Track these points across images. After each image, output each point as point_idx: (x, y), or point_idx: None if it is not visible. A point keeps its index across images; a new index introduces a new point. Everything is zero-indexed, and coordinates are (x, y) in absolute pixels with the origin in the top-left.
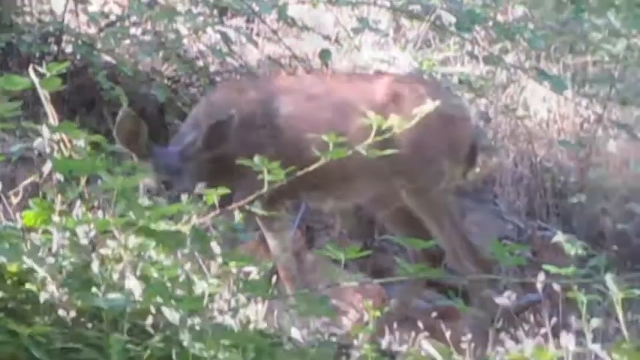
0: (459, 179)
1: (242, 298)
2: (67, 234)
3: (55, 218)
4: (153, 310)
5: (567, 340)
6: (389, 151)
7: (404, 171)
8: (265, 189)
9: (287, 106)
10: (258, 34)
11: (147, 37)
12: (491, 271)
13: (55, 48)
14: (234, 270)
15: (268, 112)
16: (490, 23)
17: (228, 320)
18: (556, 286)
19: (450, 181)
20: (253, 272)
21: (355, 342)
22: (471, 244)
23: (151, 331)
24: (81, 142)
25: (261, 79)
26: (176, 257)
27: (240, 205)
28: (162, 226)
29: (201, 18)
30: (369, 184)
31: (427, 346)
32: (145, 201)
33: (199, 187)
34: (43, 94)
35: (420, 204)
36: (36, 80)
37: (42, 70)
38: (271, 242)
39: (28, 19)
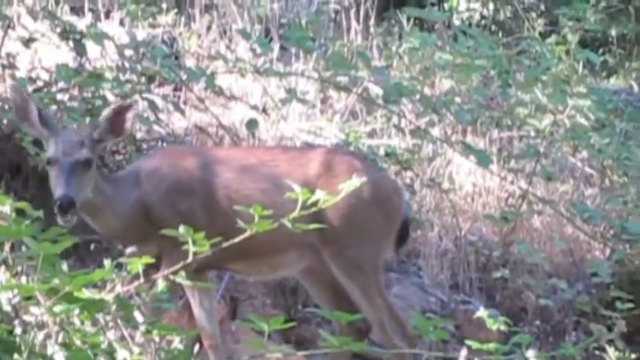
0: (390, 254)
1: None
2: None
3: None
4: None
5: None
6: (315, 226)
7: (335, 243)
8: (190, 259)
9: (222, 176)
10: (185, 103)
11: (74, 103)
12: (416, 345)
13: None
14: (157, 339)
15: (204, 180)
16: (417, 96)
17: None
18: None
19: (381, 255)
20: (176, 341)
21: None
22: (399, 318)
23: None
24: (6, 208)
25: (197, 148)
26: (99, 325)
27: (165, 275)
28: (86, 293)
29: (128, 85)
30: (299, 257)
31: None
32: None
33: (129, 252)
34: None
35: (350, 276)
36: None
37: None
38: (197, 311)
39: None
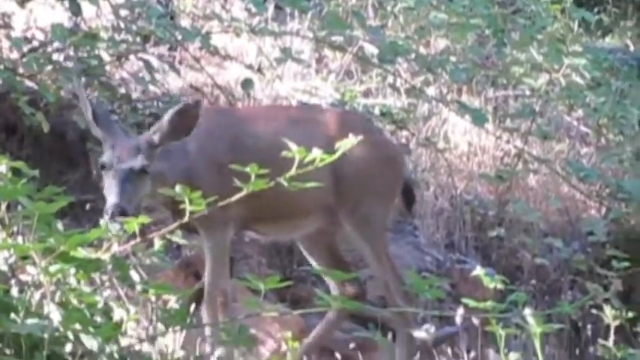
0: (397, 214)
1: (160, 326)
2: None
3: None
4: (71, 337)
5: None
6: (312, 184)
7: (350, 200)
8: (186, 218)
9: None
10: (180, 62)
11: (69, 64)
12: (411, 306)
13: None
14: (153, 298)
15: (241, 134)
16: (412, 56)
17: (146, 348)
18: (475, 320)
19: (388, 215)
20: (172, 301)
21: None
22: (402, 279)
23: (70, 358)
24: (2, 168)
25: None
26: (95, 284)
27: (161, 234)
28: (82, 252)
29: (124, 45)
30: (318, 218)
31: None
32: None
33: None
34: None
35: (362, 233)
36: None
37: None
38: (215, 267)
39: None
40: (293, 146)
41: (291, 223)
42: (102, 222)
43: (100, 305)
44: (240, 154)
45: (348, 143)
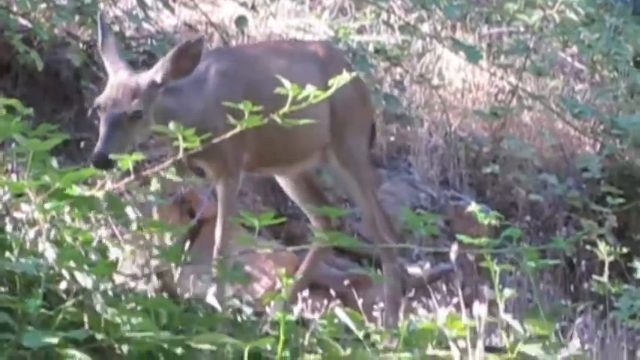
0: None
1: (155, 263)
2: None
3: None
4: (66, 274)
5: (480, 309)
6: (305, 121)
7: (339, 135)
8: (180, 154)
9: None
10: (174, 0)
11: (63, 1)
12: (404, 242)
13: None
14: (147, 236)
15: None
16: None
17: (141, 286)
18: (469, 256)
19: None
20: (167, 238)
21: (268, 309)
22: (387, 214)
23: (64, 296)
24: None
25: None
26: (90, 222)
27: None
28: (77, 190)
29: None
30: (316, 156)
31: (340, 313)
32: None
33: None
34: None
35: (349, 168)
36: None
37: None
38: (228, 201)
39: None
40: (287, 83)
41: (295, 164)
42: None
43: (95, 243)
44: (254, 95)
45: (342, 79)
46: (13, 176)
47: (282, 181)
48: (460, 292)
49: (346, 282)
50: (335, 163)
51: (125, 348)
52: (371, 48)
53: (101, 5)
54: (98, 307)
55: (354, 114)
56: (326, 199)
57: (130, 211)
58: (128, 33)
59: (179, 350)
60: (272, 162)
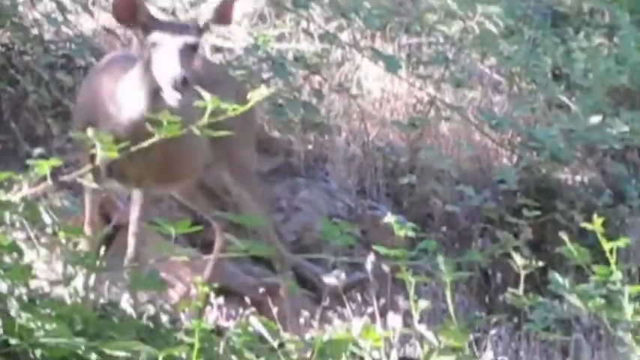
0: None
1: (71, 269)
2: None
3: None
4: None
5: (394, 320)
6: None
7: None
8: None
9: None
10: (94, 4)
11: None
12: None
13: None
14: (63, 241)
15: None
16: (327, 0)
17: (56, 291)
18: (385, 267)
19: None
20: (82, 243)
21: (182, 316)
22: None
23: None
24: None
25: None
26: (6, 226)
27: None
28: None
29: None
30: (199, 169)
31: (254, 322)
32: None
33: None
34: None
35: (244, 186)
36: None
37: None
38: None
39: None
40: (207, 96)
41: (178, 182)
42: (29, 162)
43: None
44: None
45: (259, 95)
46: None
47: (181, 195)
48: (375, 302)
49: (261, 290)
50: (228, 180)
51: (39, 353)
52: (290, 56)
53: (20, 8)
54: (12, 312)
55: (238, 128)
56: (223, 200)
57: (46, 216)
58: (47, 36)
59: (93, 356)
60: (159, 177)
